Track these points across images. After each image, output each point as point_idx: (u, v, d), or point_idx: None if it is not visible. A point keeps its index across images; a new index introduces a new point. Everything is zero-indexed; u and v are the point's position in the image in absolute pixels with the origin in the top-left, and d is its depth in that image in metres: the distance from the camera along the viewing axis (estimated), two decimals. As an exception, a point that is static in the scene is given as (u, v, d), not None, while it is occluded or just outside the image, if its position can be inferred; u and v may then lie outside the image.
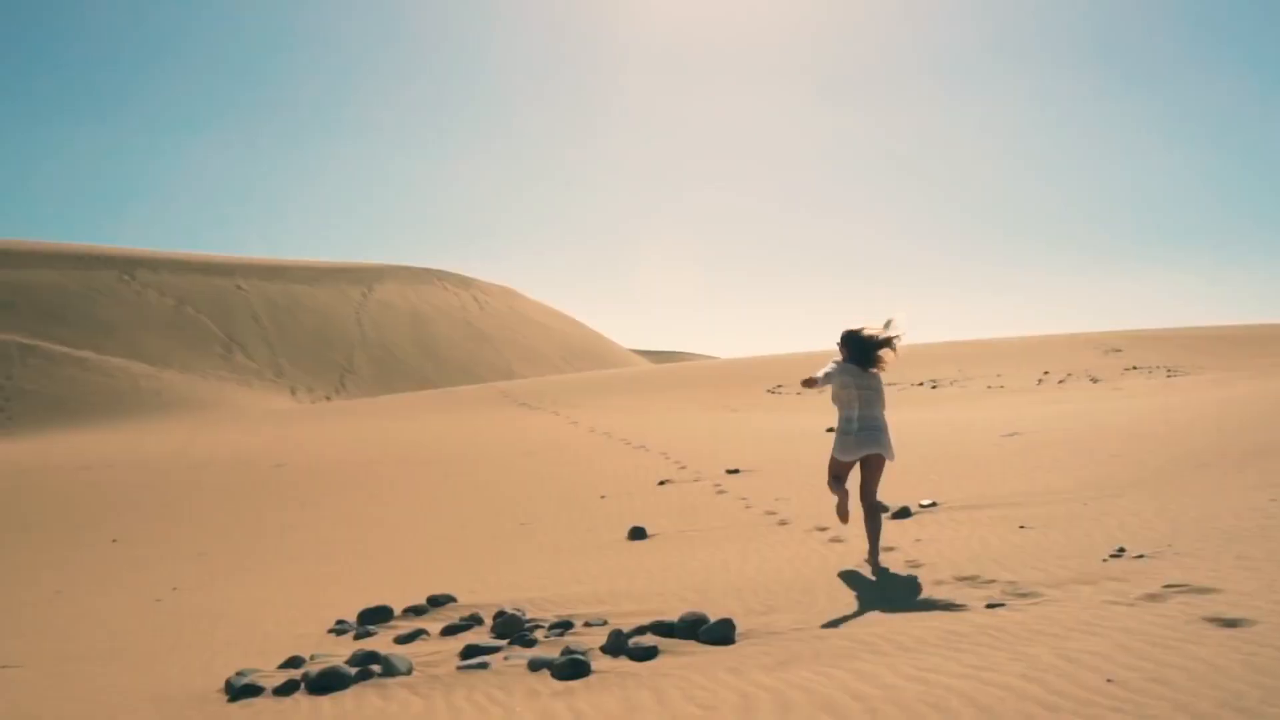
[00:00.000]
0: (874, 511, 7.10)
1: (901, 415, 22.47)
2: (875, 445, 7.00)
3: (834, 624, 5.59)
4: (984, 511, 8.93)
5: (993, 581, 6.22)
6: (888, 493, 10.43)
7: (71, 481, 20.39)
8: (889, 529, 8.55)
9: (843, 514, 7.34)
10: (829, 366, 7.14)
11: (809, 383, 7.00)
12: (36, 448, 30.71)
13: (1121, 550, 6.53)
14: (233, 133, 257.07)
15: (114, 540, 13.59)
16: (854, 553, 7.73)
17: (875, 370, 7.09)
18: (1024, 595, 5.76)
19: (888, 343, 7.05)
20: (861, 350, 7.07)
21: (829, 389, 7.11)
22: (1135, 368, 35.00)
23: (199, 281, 62.52)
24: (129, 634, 8.00)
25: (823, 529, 9.01)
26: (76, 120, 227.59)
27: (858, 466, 7.15)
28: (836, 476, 7.21)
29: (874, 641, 5.06)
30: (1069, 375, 32.79)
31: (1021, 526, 7.96)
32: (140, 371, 49.54)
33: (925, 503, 9.64)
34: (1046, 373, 34.30)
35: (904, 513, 9.22)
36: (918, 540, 7.95)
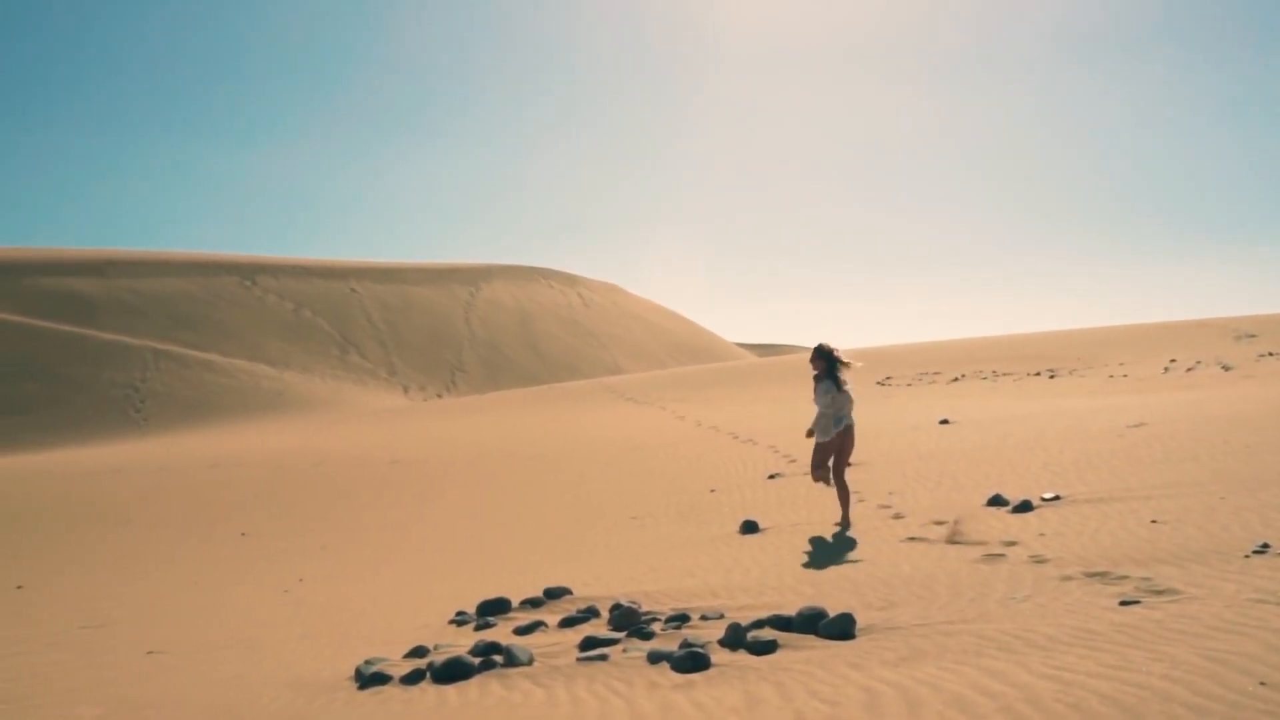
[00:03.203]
0: (843, 486, 9.53)
1: (1018, 406, 21.81)
2: (834, 432, 9.43)
3: (958, 620, 5.45)
4: (1111, 505, 8.58)
5: (1125, 578, 5.97)
6: (1003, 485, 10.17)
7: (202, 478, 21.37)
8: (1010, 522, 8.32)
9: (821, 479, 9.69)
10: (826, 392, 9.47)
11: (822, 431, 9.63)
12: (169, 446, 32.31)
13: (1265, 546, 6.19)
14: (345, 142, 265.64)
15: (243, 534, 14.18)
16: (974, 547, 7.53)
17: (845, 385, 9.52)
18: (1160, 592, 5.51)
19: (843, 364, 9.57)
20: (834, 368, 9.48)
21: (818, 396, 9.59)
22: (1271, 354, 33.13)
23: (316, 285, 64.72)
24: (261, 623, 8.34)
25: (940, 523, 8.79)
26: (198, 135, 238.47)
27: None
28: (818, 465, 9.55)
29: (1002, 638, 4.91)
30: (1198, 363, 31.24)
31: (1153, 520, 7.62)
32: (262, 373, 51.61)
33: (1048, 496, 9.31)
34: (1173, 360, 32.76)
35: (1025, 506, 8.92)
36: (1041, 535, 7.69)
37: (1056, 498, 9.21)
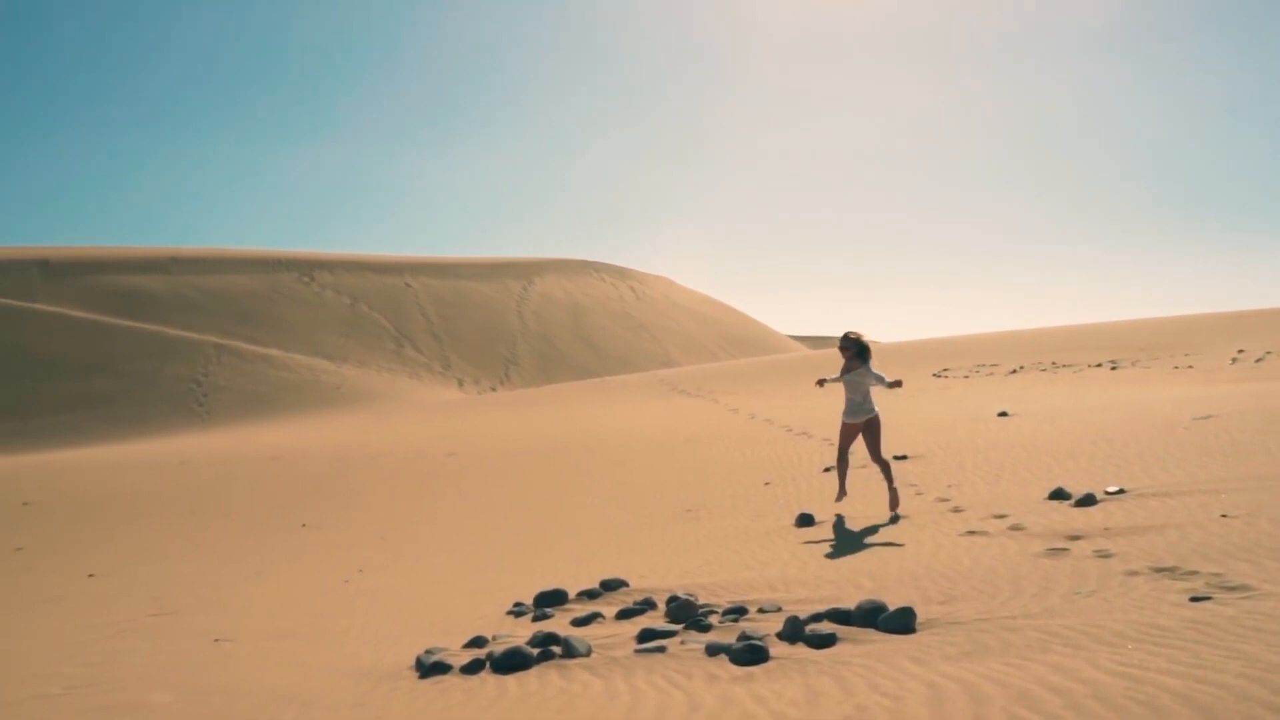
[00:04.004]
0: (884, 464, 9.82)
1: (1079, 398, 21.40)
2: (870, 413, 9.79)
3: (1021, 615, 5.36)
4: (1178, 499, 8.38)
5: (1194, 573, 5.83)
6: (1065, 478, 9.99)
7: (264, 471, 21.79)
8: (1073, 516, 8.17)
9: (840, 498, 10.23)
10: (864, 379, 9.78)
11: (894, 383, 9.93)
12: (231, 439, 32.98)
13: (1343, 541, 6.00)
14: (399, 138, 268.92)
15: (304, 525, 14.43)
16: (1036, 541, 7.41)
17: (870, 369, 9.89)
18: (1232, 589, 5.36)
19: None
20: (866, 354, 9.83)
21: (840, 380, 9.99)
22: (1344, 344, 32.06)
23: (372, 280, 65.60)
24: (323, 613, 8.48)
25: (1001, 516, 8.66)
26: (256, 135, 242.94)
27: (860, 440, 9.97)
28: (843, 448, 10.03)
29: (1068, 634, 4.82)
30: (1267, 353, 30.34)
31: (1223, 515, 7.42)
32: (321, 367, 52.46)
33: (1111, 489, 9.12)
34: (1241, 351, 31.85)
35: (1089, 500, 8.74)
36: (1106, 529, 7.53)
37: (1121, 491, 9.02)
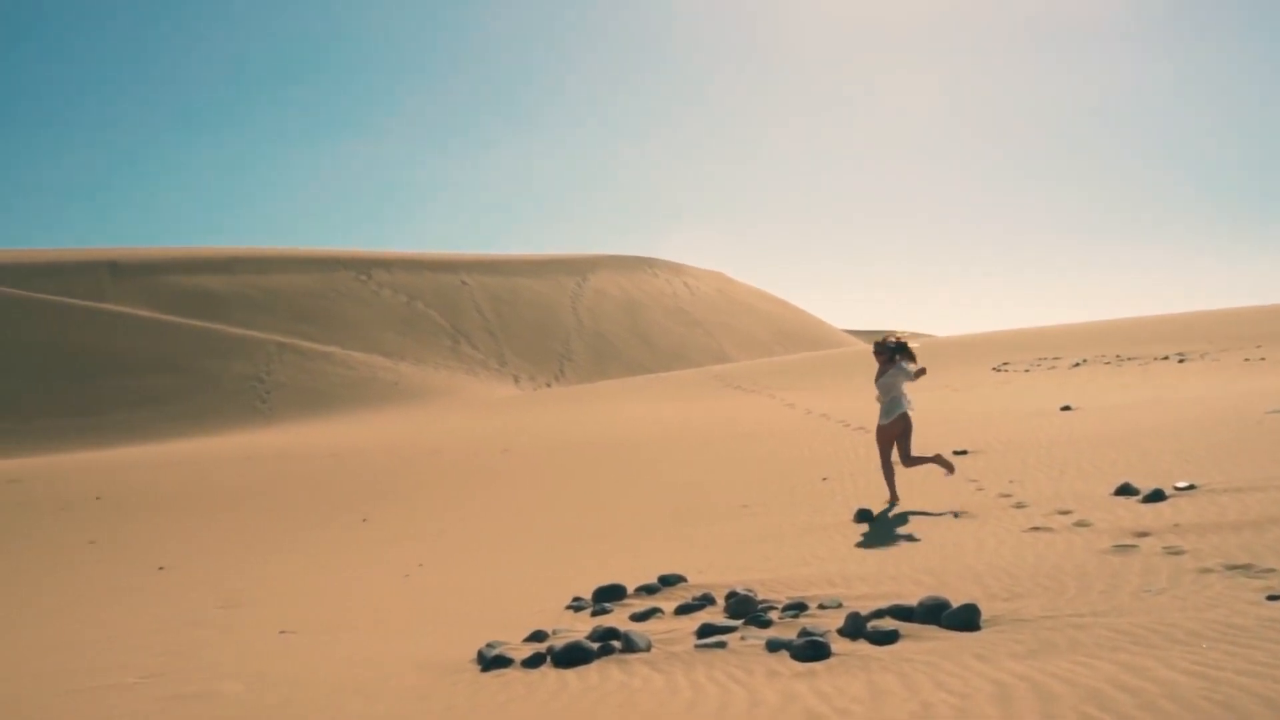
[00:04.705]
0: (917, 460, 10.24)
1: (1145, 392, 20.91)
2: (899, 410, 10.11)
3: (1088, 613, 5.25)
4: (1251, 495, 8.14)
5: (1271, 571, 5.67)
6: (1131, 473, 9.77)
7: (325, 466, 22.16)
8: (1141, 512, 8.00)
9: (893, 495, 10.33)
10: (898, 379, 10.20)
11: (918, 372, 10.48)
12: (293, 435, 33.61)
13: None
14: (453, 138, 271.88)
15: (364, 520, 14.64)
16: (1103, 538, 7.26)
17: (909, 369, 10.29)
18: (1312, 587, 5.20)
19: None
20: (899, 353, 10.27)
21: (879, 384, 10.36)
22: None
23: (428, 279, 66.35)
24: (384, 606, 8.60)
25: (1065, 512, 8.50)
26: (317, 139, 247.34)
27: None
28: (884, 453, 10.29)
29: (1138, 633, 4.71)
30: (1342, 345, 29.37)
31: (1300, 511, 7.20)
32: (379, 364, 53.21)
33: (1181, 485, 8.90)
34: (1315, 342, 30.86)
35: (1157, 495, 8.53)
36: (1176, 525, 7.35)
37: (1191, 487, 8.80)
